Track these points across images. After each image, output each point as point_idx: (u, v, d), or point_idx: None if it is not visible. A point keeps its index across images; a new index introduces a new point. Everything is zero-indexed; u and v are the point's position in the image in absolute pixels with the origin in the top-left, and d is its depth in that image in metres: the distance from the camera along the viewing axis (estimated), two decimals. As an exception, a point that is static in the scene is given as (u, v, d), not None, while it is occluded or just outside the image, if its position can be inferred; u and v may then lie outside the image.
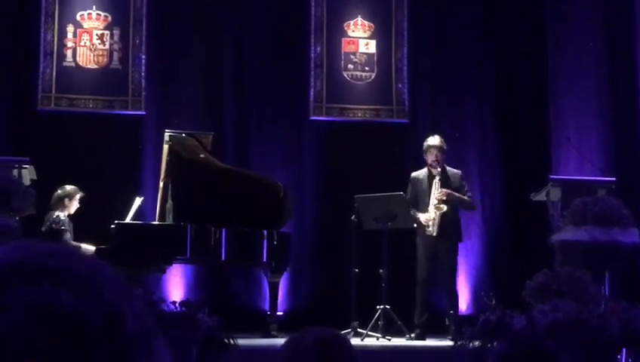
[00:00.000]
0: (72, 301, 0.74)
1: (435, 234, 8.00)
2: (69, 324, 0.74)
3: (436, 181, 8.09)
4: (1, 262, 0.77)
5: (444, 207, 8.00)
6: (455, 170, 8.33)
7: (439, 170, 8.12)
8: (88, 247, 7.87)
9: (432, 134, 8.36)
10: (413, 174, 8.33)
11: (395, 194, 8.07)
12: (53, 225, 7.95)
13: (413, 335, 7.86)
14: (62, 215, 8.02)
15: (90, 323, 0.74)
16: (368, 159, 9.78)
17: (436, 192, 8.06)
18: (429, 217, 8.02)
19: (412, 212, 8.07)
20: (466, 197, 8.18)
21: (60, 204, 8.05)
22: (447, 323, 8.00)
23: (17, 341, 0.72)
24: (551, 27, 10.20)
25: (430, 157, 8.16)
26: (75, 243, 7.95)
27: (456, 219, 8.19)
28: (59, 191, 8.07)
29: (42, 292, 0.74)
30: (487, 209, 9.94)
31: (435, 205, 8.04)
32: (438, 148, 8.13)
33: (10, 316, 0.73)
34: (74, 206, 8.11)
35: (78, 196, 8.12)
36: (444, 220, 8.03)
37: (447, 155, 8.35)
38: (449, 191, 8.06)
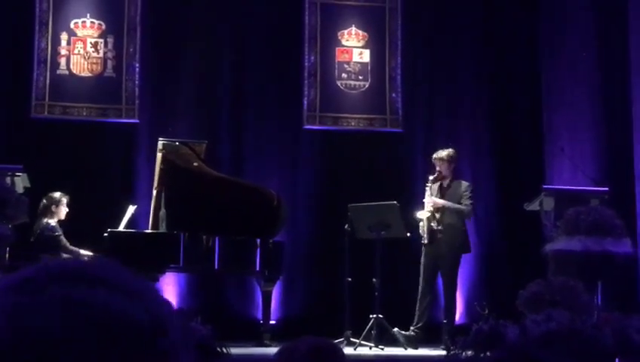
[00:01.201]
0: (124, 306, 0.83)
1: (425, 241, 8.06)
2: (119, 325, 0.82)
3: (428, 188, 8.19)
4: (68, 267, 0.87)
5: (427, 214, 8.10)
6: (464, 183, 8.43)
7: (431, 178, 8.25)
8: (87, 253, 7.89)
9: (445, 148, 8.49)
10: (430, 178, 8.42)
11: (388, 203, 8.08)
12: (47, 233, 7.97)
13: (403, 332, 7.89)
14: (52, 222, 8.04)
15: (138, 328, 0.82)
16: (362, 168, 9.79)
17: (427, 200, 8.16)
18: (420, 216, 8.13)
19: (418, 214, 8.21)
20: (459, 205, 8.22)
21: (48, 211, 8.08)
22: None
23: (69, 331, 0.80)
24: (545, 38, 10.23)
25: (436, 168, 8.32)
26: (74, 248, 7.96)
27: (460, 231, 8.23)
28: (44, 201, 8.09)
29: (98, 294, 0.83)
30: (481, 218, 9.95)
31: (423, 211, 8.14)
32: (440, 159, 8.30)
33: (66, 309, 0.81)
34: (62, 211, 8.13)
35: (64, 201, 8.15)
36: (444, 231, 8.09)
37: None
38: (436, 200, 8.14)
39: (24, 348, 0.78)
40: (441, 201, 8.17)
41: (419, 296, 8.17)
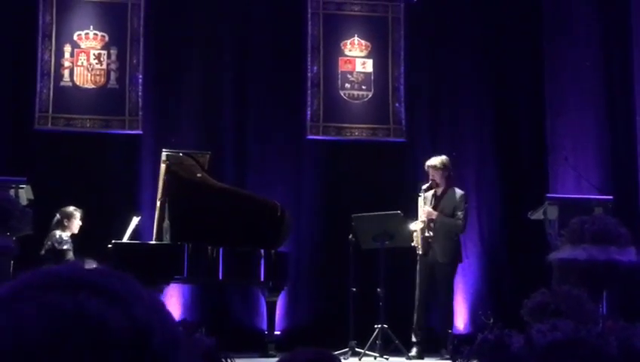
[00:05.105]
0: (103, 311, 0.80)
1: (420, 252, 8.01)
2: (97, 331, 0.79)
3: (421, 198, 8.14)
4: (47, 273, 0.85)
5: (421, 224, 8.02)
6: (459, 191, 8.30)
7: (424, 187, 8.17)
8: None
9: (438, 155, 8.42)
10: (423, 187, 8.34)
11: (392, 213, 8.07)
12: (56, 245, 7.99)
13: (411, 354, 7.84)
14: (64, 235, 8.07)
15: (118, 333, 0.80)
16: (365, 178, 9.77)
17: (422, 210, 8.10)
18: (413, 228, 8.05)
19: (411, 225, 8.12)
20: (452, 219, 8.13)
21: (60, 225, 8.12)
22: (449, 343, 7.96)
23: (46, 338, 0.78)
24: (548, 46, 10.23)
25: (429, 177, 8.23)
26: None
27: (453, 241, 8.17)
28: (57, 215, 8.14)
29: (76, 299, 0.80)
30: (485, 227, 9.93)
31: (418, 221, 8.08)
32: (432, 167, 8.20)
33: (44, 315, 0.79)
34: (75, 225, 8.16)
35: (77, 214, 8.19)
36: (438, 241, 8.03)
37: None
38: (430, 211, 8.06)
39: None
40: (435, 213, 8.10)
41: (416, 309, 8.08)
